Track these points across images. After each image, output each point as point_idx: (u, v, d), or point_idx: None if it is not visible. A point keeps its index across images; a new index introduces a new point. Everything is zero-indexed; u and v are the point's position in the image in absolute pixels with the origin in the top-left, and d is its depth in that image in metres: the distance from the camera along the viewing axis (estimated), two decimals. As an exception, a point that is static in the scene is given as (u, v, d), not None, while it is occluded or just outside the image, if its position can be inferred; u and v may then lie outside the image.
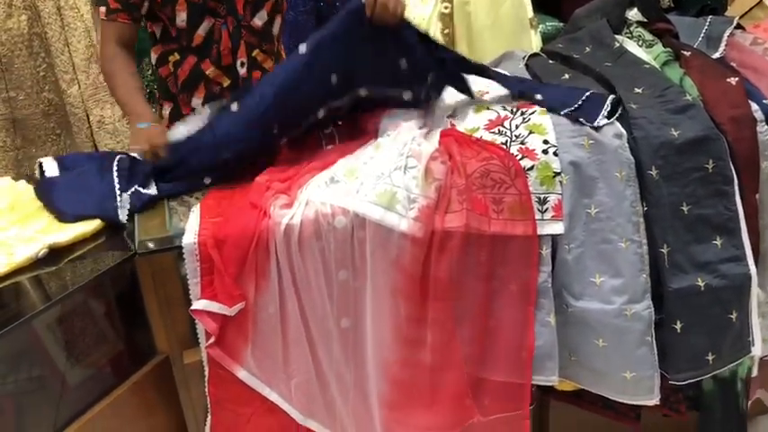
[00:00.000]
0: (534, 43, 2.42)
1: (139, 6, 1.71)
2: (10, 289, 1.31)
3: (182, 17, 1.74)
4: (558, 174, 1.41)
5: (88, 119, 2.41)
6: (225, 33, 1.77)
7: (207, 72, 1.80)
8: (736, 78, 1.57)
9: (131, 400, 1.46)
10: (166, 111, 1.90)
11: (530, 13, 2.45)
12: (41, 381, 1.45)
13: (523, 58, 1.82)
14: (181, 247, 1.33)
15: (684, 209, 1.45)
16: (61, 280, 1.34)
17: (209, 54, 1.78)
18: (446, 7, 2.36)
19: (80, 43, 2.31)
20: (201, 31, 1.76)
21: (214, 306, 1.34)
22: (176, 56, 1.80)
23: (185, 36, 1.76)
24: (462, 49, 2.40)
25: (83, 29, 2.30)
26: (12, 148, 2.32)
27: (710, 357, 1.49)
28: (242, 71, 1.83)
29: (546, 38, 2.48)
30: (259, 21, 1.81)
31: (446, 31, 2.39)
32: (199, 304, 1.34)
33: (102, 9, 1.70)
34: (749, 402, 1.69)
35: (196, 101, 1.84)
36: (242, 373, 1.43)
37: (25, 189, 1.54)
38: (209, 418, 1.48)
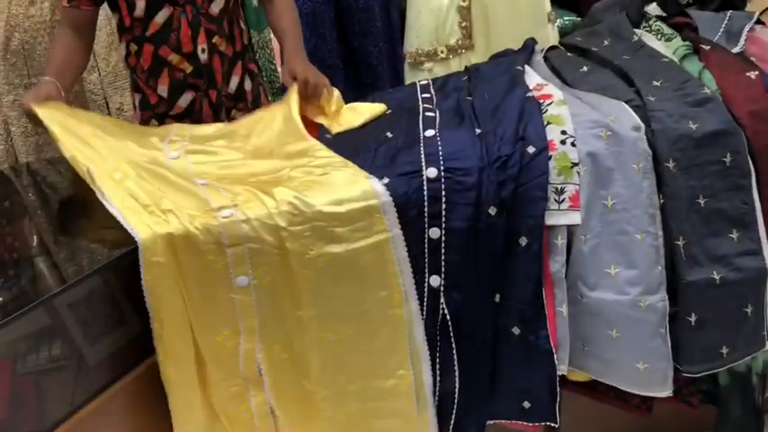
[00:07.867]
0: (551, 37, 2.43)
1: None
2: (32, 268, 1.33)
3: (140, 6, 1.77)
4: (576, 164, 1.41)
5: (107, 105, 2.43)
6: (184, 22, 1.79)
7: (168, 58, 1.83)
8: (756, 72, 1.57)
9: (149, 380, 1.48)
10: (137, 100, 1.93)
11: (548, 7, 2.46)
12: (60, 360, 1.46)
13: (542, 51, 1.82)
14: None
15: (701, 202, 1.45)
16: (83, 260, 1.36)
17: (168, 41, 1.81)
18: (464, 0, 2.36)
19: (101, 31, 2.32)
20: (160, 18, 1.78)
21: None
22: (134, 46, 1.83)
23: (140, 25, 1.79)
24: (480, 42, 2.41)
25: (104, 16, 2.31)
26: (33, 133, 2.35)
27: (725, 351, 1.50)
28: (203, 57, 1.85)
29: (563, 32, 2.48)
30: (216, 8, 1.84)
31: (464, 24, 2.39)
32: None
33: None
34: (764, 398, 1.69)
35: (161, 88, 1.86)
36: None
37: None
38: None
